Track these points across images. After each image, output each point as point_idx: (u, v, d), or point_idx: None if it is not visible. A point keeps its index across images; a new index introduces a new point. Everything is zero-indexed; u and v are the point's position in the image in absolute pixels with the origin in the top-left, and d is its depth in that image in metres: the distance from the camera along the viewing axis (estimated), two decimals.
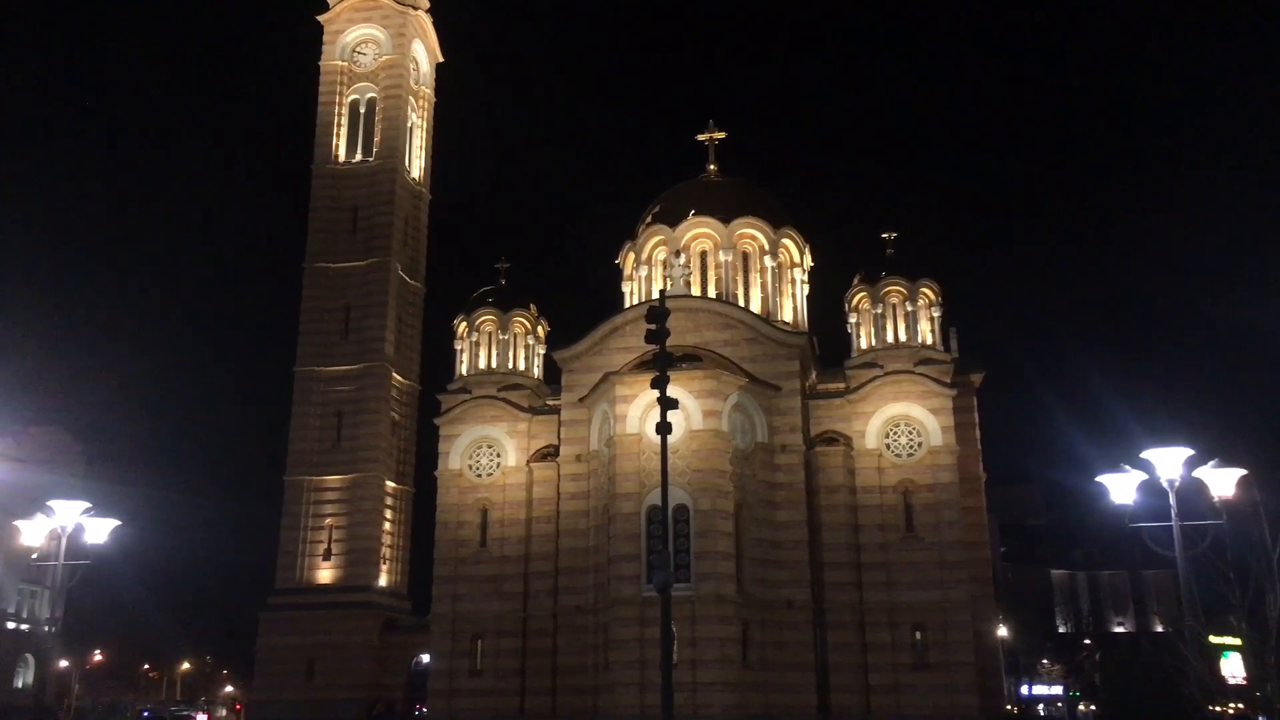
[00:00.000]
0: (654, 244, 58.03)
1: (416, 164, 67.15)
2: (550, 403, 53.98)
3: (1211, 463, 23.06)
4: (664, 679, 25.82)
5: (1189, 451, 22.79)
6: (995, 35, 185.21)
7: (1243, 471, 23.10)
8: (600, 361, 50.79)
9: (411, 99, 66.87)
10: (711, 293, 55.32)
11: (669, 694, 25.78)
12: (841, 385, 51.09)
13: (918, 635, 46.18)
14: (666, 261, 55.95)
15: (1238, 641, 49.67)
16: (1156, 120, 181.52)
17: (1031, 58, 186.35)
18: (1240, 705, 47.76)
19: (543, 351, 56.97)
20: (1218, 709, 39.08)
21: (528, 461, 52.13)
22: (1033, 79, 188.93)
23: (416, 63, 68.04)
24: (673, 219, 57.48)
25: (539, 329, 57.41)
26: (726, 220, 56.61)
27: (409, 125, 66.39)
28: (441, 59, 70.47)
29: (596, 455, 49.53)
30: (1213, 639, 44.15)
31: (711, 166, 60.54)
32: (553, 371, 54.78)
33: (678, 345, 37.49)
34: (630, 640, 43.49)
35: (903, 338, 51.11)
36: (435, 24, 69.66)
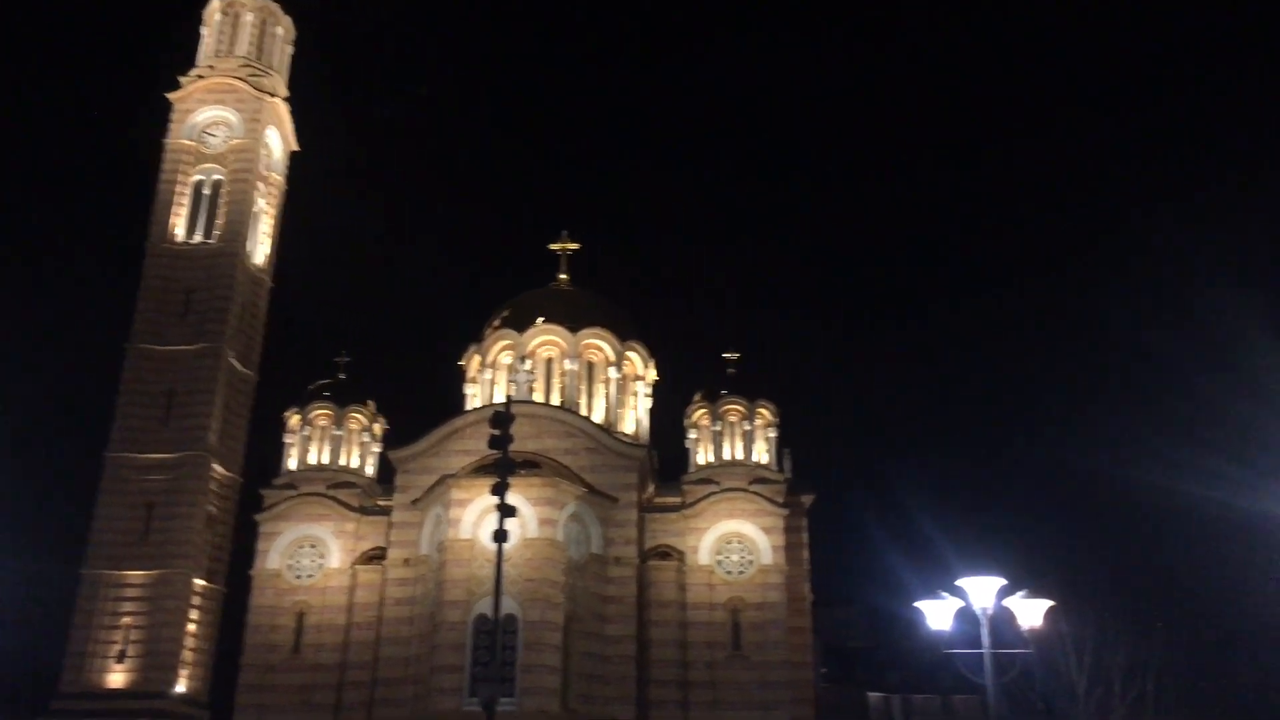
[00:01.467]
0: (500, 348, 57.97)
1: (260, 250, 65.37)
2: (381, 503, 52.42)
3: (1021, 593, 24.22)
4: None
5: (1002, 581, 23.87)
6: (837, 171, 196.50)
7: (1050, 603, 24.34)
8: (438, 463, 49.85)
9: (260, 184, 65.44)
10: (555, 400, 55.42)
11: None
12: (678, 500, 51.61)
13: None
14: (512, 366, 55.91)
15: None
16: (981, 275, 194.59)
17: (873, 201, 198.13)
18: None
19: (378, 450, 55.52)
20: None
21: (353, 564, 50.21)
22: (869, 218, 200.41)
23: (269, 149, 66.86)
24: (521, 324, 57.70)
25: (375, 426, 56.03)
26: (574, 329, 57.22)
27: (255, 210, 64.79)
28: (296, 148, 69.55)
29: (426, 560, 48.16)
30: None
31: (562, 275, 61.39)
32: (387, 471, 53.36)
33: (518, 451, 37.16)
34: None
35: (739, 456, 52.26)
36: (293, 112, 68.92)
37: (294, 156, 69.79)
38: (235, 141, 64.45)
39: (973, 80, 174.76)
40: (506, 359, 57.39)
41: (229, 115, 65.08)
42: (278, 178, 67.76)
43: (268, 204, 66.37)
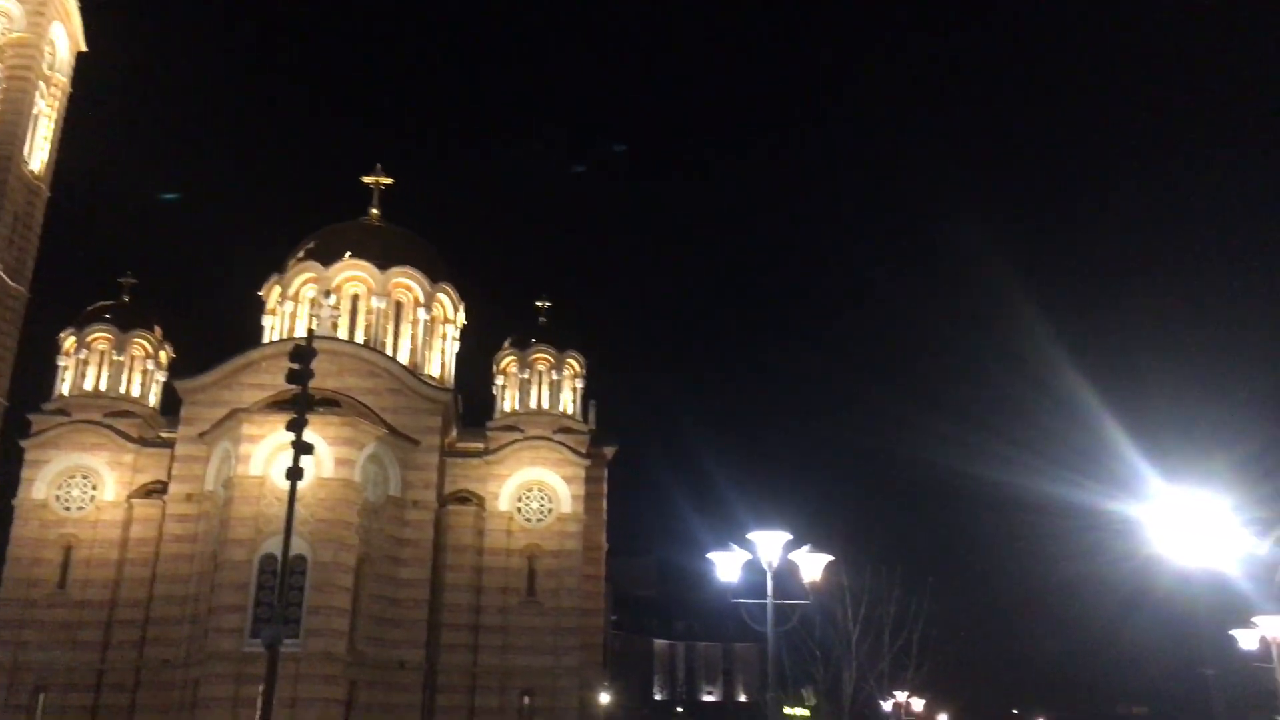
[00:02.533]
0: (304, 281, 55.62)
1: (38, 156, 59.94)
2: (165, 435, 49.66)
3: (805, 548, 25.44)
4: None
5: (788, 536, 24.99)
6: (651, 120, 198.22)
7: (831, 558, 25.70)
8: (229, 396, 47.60)
9: (42, 84, 59.89)
10: (360, 339, 53.78)
11: None
12: (481, 446, 51.32)
13: (526, 700, 46.62)
14: (315, 301, 53.75)
15: (805, 712, 54.91)
16: (791, 255, 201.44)
17: (681, 143, 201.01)
18: None
19: (163, 380, 52.47)
20: None
21: (129, 497, 47.43)
22: (687, 167, 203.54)
23: (53, 46, 61.16)
24: (327, 258, 55.52)
25: (162, 354, 52.88)
26: (383, 266, 55.54)
27: (35, 112, 59.30)
28: (84, 48, 63.94)
29: (211, 497, 46.06)
30: (785, 710, 48.40)
31: (374, 210, 59.35)
32: (172, 403, 50.54)
33: (318, 389, 35.81)
34: (223, 699, 40.24)
35: (545, 405, 52.36)
36: (83, 10, 63.24)
37: (82, 59, 64.20)
38: (15, 35, 58.63)
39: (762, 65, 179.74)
40: (310, 292, 55.14)
41: (9, 5, 59.14)
42: (62, 79, 62.11)
43: (49, 106, 60.84)
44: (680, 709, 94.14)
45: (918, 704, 65.60)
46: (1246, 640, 35.86)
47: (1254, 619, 35.66)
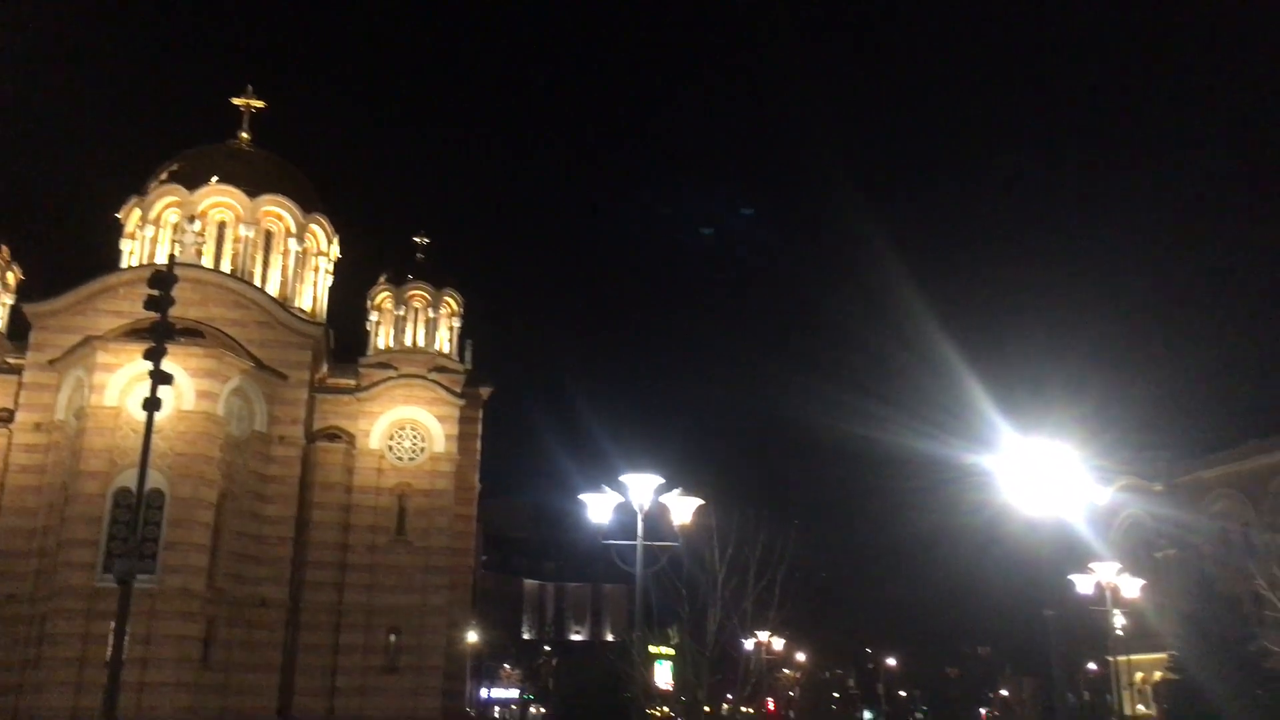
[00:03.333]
0: (166, 204, 52.96)
1: None
2: (12, 361, 46.98)
3: (676, 490, 25.81)
4: (111, 678, 23.30)
5: (660, 480, 25.30)
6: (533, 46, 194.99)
7: (700, 501, 26.14)
8: (83, 323, 45.29)
9: None
10: (226, 268, 51.66)
11: (114, 694, 23.31)
12: (353, 382, 50.23)
13: (392, 638, 46.36)
14: (179, 226, 51.28)
15: (670, 652, 56.19)
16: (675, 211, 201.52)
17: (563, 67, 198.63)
18: (666, 709, 53.90)
19: (10, 302, 49.55)
20: (652, 711, 43.74)
21: None
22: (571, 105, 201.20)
23: None
24: (192, 181, 52.92)
25: (9, 275, 49.86)
26: (253, 194, 53.28)
27: None
28: None
29: (62, 427, 43.94)
30: (650, 648, 49.36)
31: (244, 134, 56.74)
32: (20, 326, 47.83)
33: (180, 318, 34.20)
34: (72, 635, 38.81)
35: (420, 343, 51.52)
36: None
37: None
38: None
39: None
40: (173, 217, 52.57)
41: None
42: None
43: None
44: (548, 647, 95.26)
45: (778, 643, 67.86)
46: (1083, 585, 38.21)
47: (1091, 565, 38.14)
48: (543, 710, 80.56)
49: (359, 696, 44.98)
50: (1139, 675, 68.58)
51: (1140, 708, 67.70)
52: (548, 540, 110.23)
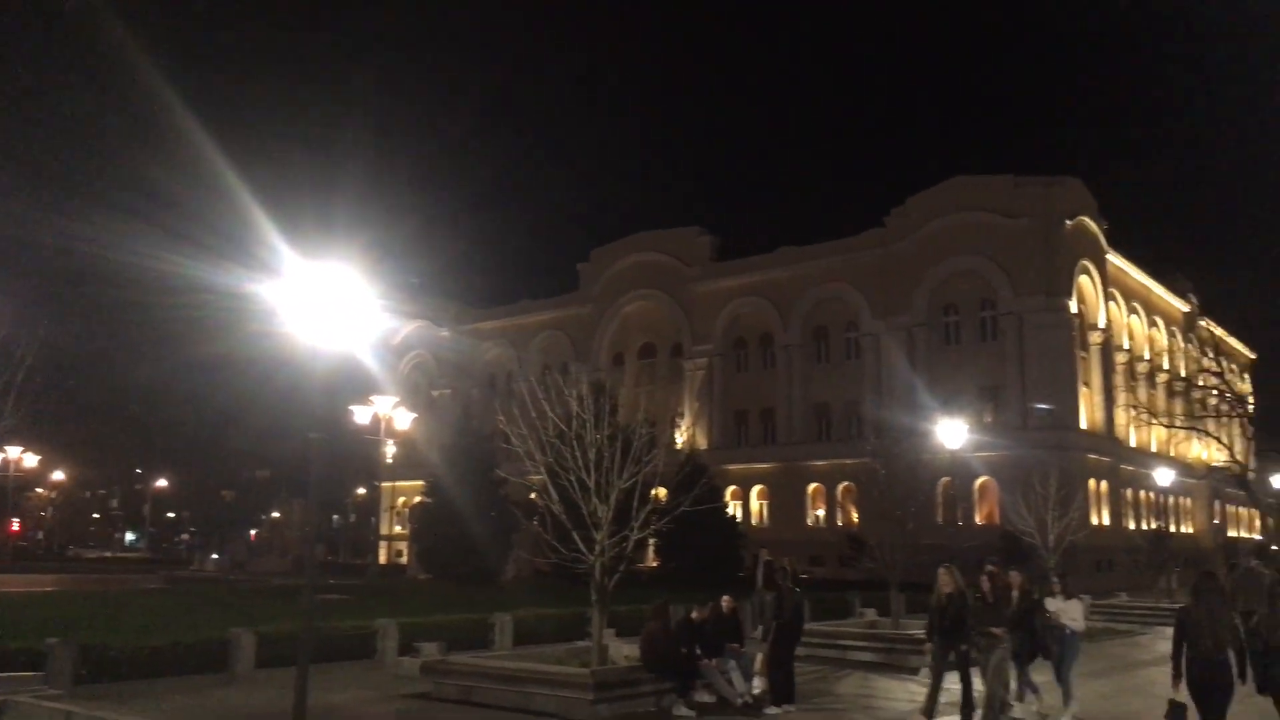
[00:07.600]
0: None
1: None
2: None
3: None
4: None
5: None
6: None
7: None
8: None
9: None
10: None
11: None
12: None
13: None
14: None
15: None
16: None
17: None
18: None
19: None
20: None
21: None
22: None
23: None
24: None
25: None
26: None
27: None
28: None
29: None
30: None
31: None
32: None
33: None
34: None
35: None
36: None
37: None
38: None
39: None
40: None
41: None
42: None
43: None
44: None
45: (32, 460, 62.08)
46: (362, 415, 40.10)
47: (372, 397, 40.18)
48: None
49: None
50: (401, 500, 75.11)
51: (398, 528, 74.28)
52: None
